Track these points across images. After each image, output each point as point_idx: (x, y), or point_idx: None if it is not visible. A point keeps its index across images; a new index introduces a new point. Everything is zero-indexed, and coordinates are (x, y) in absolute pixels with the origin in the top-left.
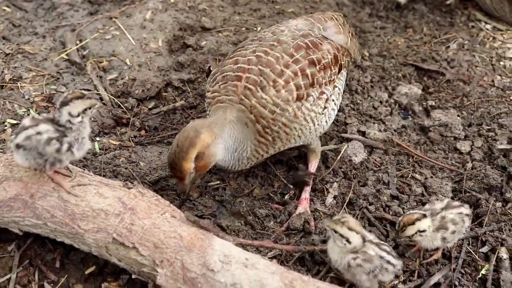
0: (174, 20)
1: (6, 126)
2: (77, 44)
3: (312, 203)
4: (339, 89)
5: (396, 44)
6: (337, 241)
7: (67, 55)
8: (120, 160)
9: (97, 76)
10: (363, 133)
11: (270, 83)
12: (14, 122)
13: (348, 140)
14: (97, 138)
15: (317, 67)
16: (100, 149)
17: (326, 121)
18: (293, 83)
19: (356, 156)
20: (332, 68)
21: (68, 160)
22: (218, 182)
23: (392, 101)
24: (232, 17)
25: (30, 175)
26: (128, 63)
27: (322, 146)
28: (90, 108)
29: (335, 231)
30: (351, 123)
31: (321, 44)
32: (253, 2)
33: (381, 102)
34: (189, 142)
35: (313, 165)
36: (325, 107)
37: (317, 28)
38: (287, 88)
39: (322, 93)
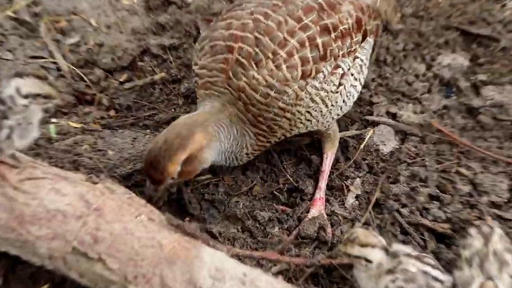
0: None
1: None
2: None
3: (328, 204)
4: (362, 61)
5: (436, 2)
6: (358, 266)
7: (14, 12)
8: (83, 147)
9: (53, 39)
10: (393, 116)
11: (268, 56)
12: None
13: (375, 124)
14: (53, 120)
15: (332, 35)
16: (56, 133)
17: (343, 101)
18: (299, 55)
19: (384, 144)
20: (353, 35)
21: (7, 149)
22: (209, 176)
23: (431, 74)
24: None
25: None
26: (94, 24)
27: (340, 132)
28: (46, 97)
29: (348, 255)
30: (378, 103)
31: (339, 4)
32: None
33: (416, 76)
34: (179, 141)
35: (328, 157)
36: (340, 84)
37: None
38: (289, 63)
39: (337, 67)
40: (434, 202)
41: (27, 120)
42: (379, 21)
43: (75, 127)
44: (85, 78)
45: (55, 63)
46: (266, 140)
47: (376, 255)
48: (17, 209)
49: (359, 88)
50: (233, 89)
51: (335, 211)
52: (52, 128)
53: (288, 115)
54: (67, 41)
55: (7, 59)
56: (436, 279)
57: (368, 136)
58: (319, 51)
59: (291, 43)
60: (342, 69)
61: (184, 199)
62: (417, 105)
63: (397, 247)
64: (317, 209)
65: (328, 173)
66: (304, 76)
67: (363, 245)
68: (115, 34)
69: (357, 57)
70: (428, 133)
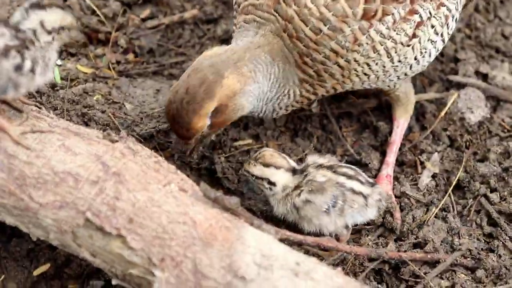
0: None
1: None
2: None
3: (397, 183)
4: (449, 10)
5: None
6: (263, 189)
7: None
8: (94, 98)
9: None
10: (484, 76)
11: None
12: None
13: (460, 86)
14: (58, 61)
15: None
16: (62, 78)
17: (415, 58)
18: None
19: (472, 112)
20: None
21: (26, 87)
22: (250, 141)
23: None
24: None
25: None
26: None
27: (416, 94)
28: (68, 29)
29: (251, 174)
30: (465, 60)
31: None
32: None
33: None
34: (205, 89)
35: (400, 125)
36: (414, 36)
37: None
38: None
39: (413, 12)
40: None
41: (48, 56)
42: None
43: (85, 72)
44: (98, 12)
45: None
46: (312, 91)
47: (281, 178)
48: (17, 168)
49: (440, 45)
50: (280, 16)
51: (406, 192)
52: (56, 71)
53: (341, 61)
54: None
55: None
56: (354, 191)
57: (451, 101)
58: None
59: None
60: (420, 16)
61: (216, 170)
62: None
63: (310, 158)
64: (384, 188)
65: (399, 145)
66: (367, 16)
67: (266, 165)
68: None
69: (443, 4)
70: None
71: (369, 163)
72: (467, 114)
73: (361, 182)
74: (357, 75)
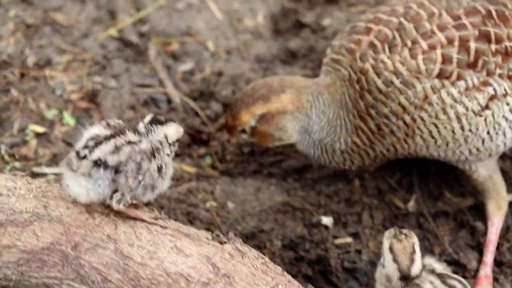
0: None
1: (28, 135)
2: (132, 15)
3: (497, 284)
4: None
5: None
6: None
7: (118, 31)
8: (198, 197)
9: (164, 65)
10: None
11: (405, 43)
12: (41, 130)
13: None
14: None
15: (492, 46)
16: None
17: (488, 133)
18: (441, 51)
19: None
20: None
21: (159, 189)
22: (350, 240)
23: None
24: None
25: (75, 213)
26: (211, 48)
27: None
28: (179, 141)
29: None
30: None
31: None
32: None
33: None
34: (264, 92)
35: (495, 224)
36: (487, 107)
37: None
38: (427, 56)
39: (487, 84)
40: None
41: (167, 164)
42: None
43: (189, 172)
44: (201, 113)
45: (165, 93)
46: (369, 144)
47: (391, 267)
48: (132, 269)
49: None
50: (354, 71)
51: None
52: None
53: (407, 118)
54: (179, 68)
55: (111, 87)
56: None
57: None
58: (468, 56)
59: (438, 36)
60: (494, 89)
61: (331, 266)
62: None
63: (427, 260)
64: None
65: (496, 245)
66: (441, 76)
67: (392, 251)
68: (237, 61)
69: None
70: None
71: (467, 263)
72: None
73: None
74: (421, 136)
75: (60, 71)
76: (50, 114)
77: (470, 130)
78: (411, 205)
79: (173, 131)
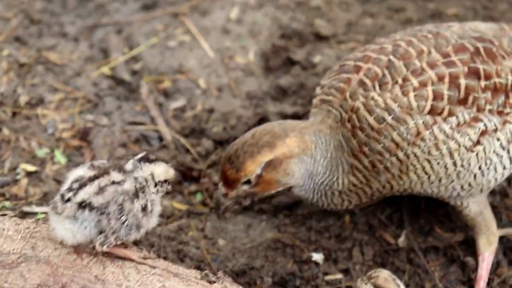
0: (274, 22)
1: (19, 174)
2: (125, 53)
3: None
4: None
5: None
6: None
7: (110, 69)
8: (189, 235)
9: (156, 103)
10: None
11: (396, 80)
12: (32, 168)
13: None
14: None
15: (481, 82)
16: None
17: (479, 168)
18: (432, 88)
19: None
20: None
21: (145, 228)
22: (340, 276)
23: None
24: (361, 20)
25: (62, 254)
26: (202, 86)
27: (501, 227)
28: (169, 183)
29: None
30: None
31: (503, 57)
32: None
33: None
34: (269, 139)
35: (485, 259)
36: (478, 143)
37: (509, 38)
38: (419, 92)
39: (478, 120)
40: None
41: (154, 203)
42: None
43: (180, 209)
44: (192, 150)
45: (157, 130)
46: (365, 182)
47: None
48: None
49: (508, 164)
50: (344, 110)
51: None
52: None
53: (401, 154)
54: (171, 105)
55: (103, 125)
56: None
57: None
58: (459, 92)
59: (428, 73)
60: (485, 125)
61: None
62: None
63: None
64: None
65: (486, 280)
66: (433, 112)
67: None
68: (228, 99)
69: (509, 122)
70: None
71: None
72: None
73: None
74: (415, 172)
75: (52, 110)
76: (42, 152)
77: (462, 166)
78: (401, 240)
79: (161, 170)
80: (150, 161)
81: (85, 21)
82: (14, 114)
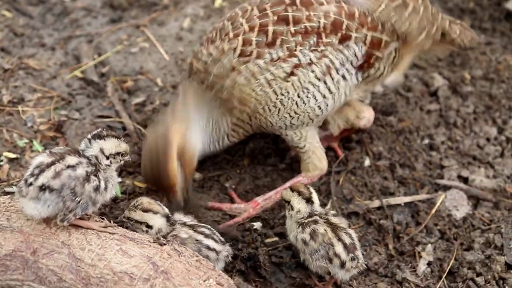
0: None
1: (2, 161)
2: (94, 59)
3: (399, 270)
4: (332, 63)
5: (507, 64)
6: (139, 231)
7: (82, 72)
8: None
9: (120, 99)
10: (465, 180)
11: (221, 38)
12: (13, 156)
13: (446, 188)
14: (119, 179)
15: (291, 27)
16: (122, 193)
17: (299, 96)
18: (242, 37)
19: (457, 209)
20: (324, 36)
21: (101, 202)
22: (276, 239)
23: (503, 138)
24: None
25: (33, 224)
26: (160, 84)
27: (410, 195)
28: (122, 155)
29: (131, 219)
30: (449, 166)
31: (320, 4)
32: None
33: (488, 139)
34: (162, 139)
35: (295, 179)
36: (292, 73)
37: None
38: (232, 42)
39: (292, 56)
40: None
41: (110, 176)
42: (380, 34)
43: (141, 187)
44: None
45: (121, 122)
46: (235, 115)
47: (157, 221)
48: (83, 270)
49: (328, 94)
50: (194, 72)
51: (407, 277)
52: (117, 187)
53: (229, 82)
54: (133, 101)
55: (75, 119)
56: (208, 247)
57: (439, 201)
58: (266, 37)
59: (243, 27)
60: (299, 59)
61: (259, 261)
62: (489, 170)
63: (177, 216)
64: (247, 207)
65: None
66: (242, 55)
67: (145, 211)
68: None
69: (326, 56)
70: (502, 199)
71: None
72: (453, 211)
73: (215, 241)
74: (250, 101)
75: (31, 107)
76: (22, 142)
77: (282, 94)
78: (328, 207)
79: (110, 145)
80: (101, 137)
81: (61, 33)
82: None
